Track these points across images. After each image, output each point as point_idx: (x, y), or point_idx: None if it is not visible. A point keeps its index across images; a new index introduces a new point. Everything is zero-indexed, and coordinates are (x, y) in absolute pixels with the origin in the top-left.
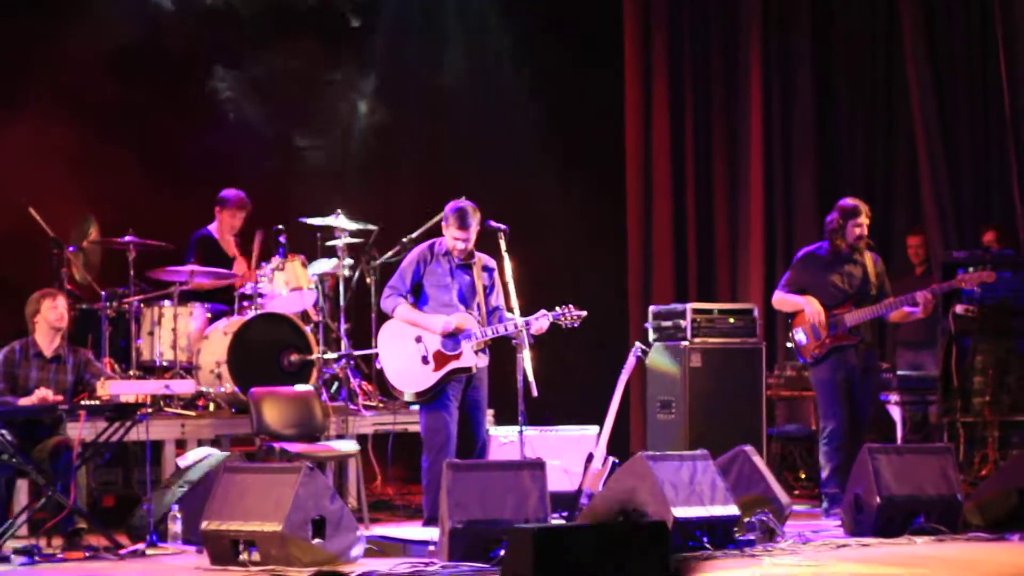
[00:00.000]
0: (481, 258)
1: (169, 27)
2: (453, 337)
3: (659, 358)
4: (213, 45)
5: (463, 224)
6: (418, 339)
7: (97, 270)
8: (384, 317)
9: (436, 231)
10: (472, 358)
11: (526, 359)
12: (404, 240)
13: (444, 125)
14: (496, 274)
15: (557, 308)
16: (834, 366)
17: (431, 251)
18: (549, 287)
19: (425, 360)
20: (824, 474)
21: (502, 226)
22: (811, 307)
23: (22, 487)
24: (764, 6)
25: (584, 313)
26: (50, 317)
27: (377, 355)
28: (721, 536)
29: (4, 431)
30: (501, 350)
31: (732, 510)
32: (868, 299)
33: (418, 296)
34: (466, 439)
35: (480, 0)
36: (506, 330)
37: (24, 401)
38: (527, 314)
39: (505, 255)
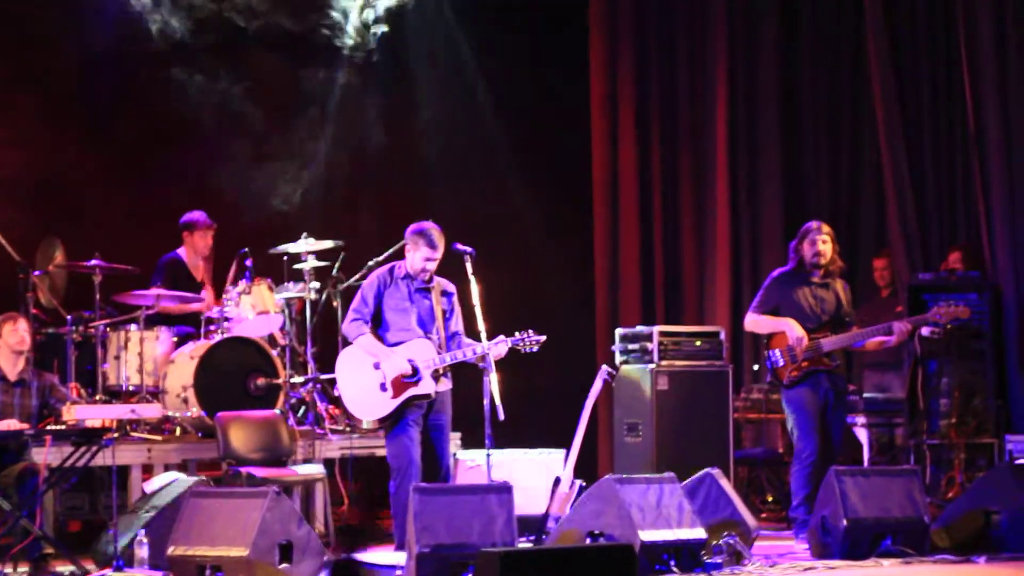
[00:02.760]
0: (440, 282)
1: (140, 46)
2: (411, 363)
3: (629, 373)
4: (183, 66)
5: (433, 244)
6: (376, 365)
7: (62, 294)
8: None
9: (402, 254)
10: (431, 384)
11: (493, 382)
12: (370, 263)
13: (410, 148)
14: (455, 298)
15: (516, 334)
16: (810, 389)
17: (390, 275)
18: (515, 310)
19: (383, 387)
20: (796, 499)
21: (469, 249)
22: (793, 330)
23: None
24: (729, 31)
25: (543, 338)
26: (11, 341)
27: (336, 383)
28: (688, 559)
29: None
30: (468, 373)
31: (699, 533)
32: (843, 325)
33: (377, 321)
34: (431, 464)
35: (447, 24)
36: (464, 356)
37: None
38: (493, 337)
39: (472, 278)
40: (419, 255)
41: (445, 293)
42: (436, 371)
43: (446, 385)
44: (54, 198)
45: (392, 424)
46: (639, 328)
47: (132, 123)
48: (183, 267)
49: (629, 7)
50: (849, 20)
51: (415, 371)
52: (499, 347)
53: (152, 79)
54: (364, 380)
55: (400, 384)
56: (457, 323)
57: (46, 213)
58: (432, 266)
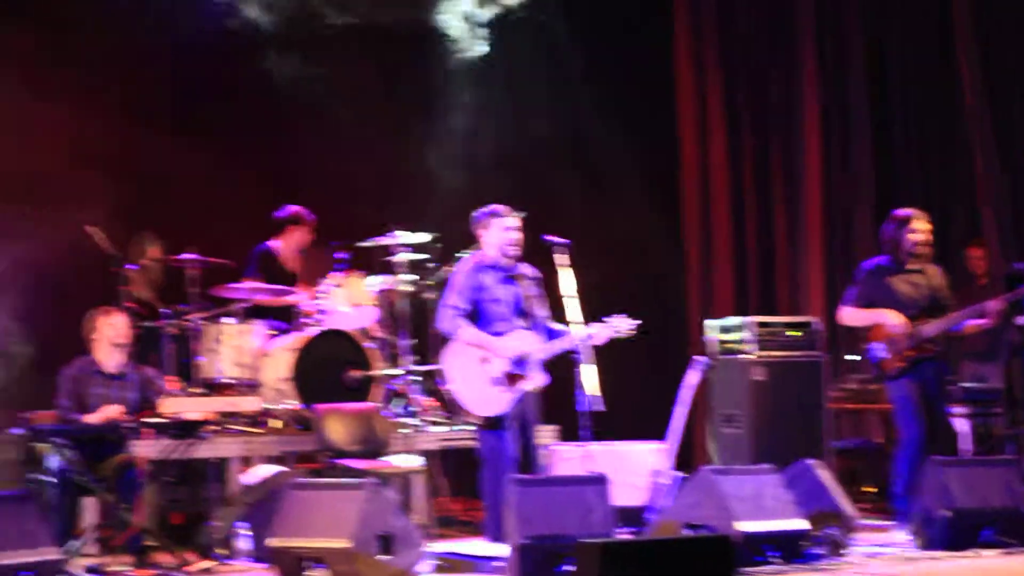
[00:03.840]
0: (524, 268)
1: (235, 38)
2: (518, 356)
3: (724, 364)
4: (279, 59)
5: (501, 212)
6: (484, 360)
7: (158, 288)
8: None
9: None
10: (538, 377)
11: (589, 373)
12: (457, 255)
13: (504, 141)
14: (540, 282)
15: (612, 319)
16: (914, 379)
17: (475, 266)
18: (607, 301)
19: (496, 382)
20: (899, 489)
21: (565, 240)
22: (894, 320)
23: (89, 505)
24: (817, 19)
25: (639, 322)
26: (108, 333)
27: (444, 378)
28: (788, 550)
29: (72, 450)
30: (564, 365)
31: (799, 524)
32: (939, 310)
33: (474, 315)
34: (526, 455)
35: (543, 20)
36: (569, 344)
37: (89, 418)
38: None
39: (567, 270)
40: (496, 230)
41: (530, 278)
42: (541, 363)
43: (546, 377)
44: (150, 192)
45: (491, 417)
46: (734, 319)
47: (227, 116)
48: (276, 259)
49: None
50: (936, 7)
51: (523, 364)
52: (598, 334)
53: (247, 71)
54: (475, 375)
55: (510, 378)
56: (547, 308)
57: (142, 207)
58: (516, 235)
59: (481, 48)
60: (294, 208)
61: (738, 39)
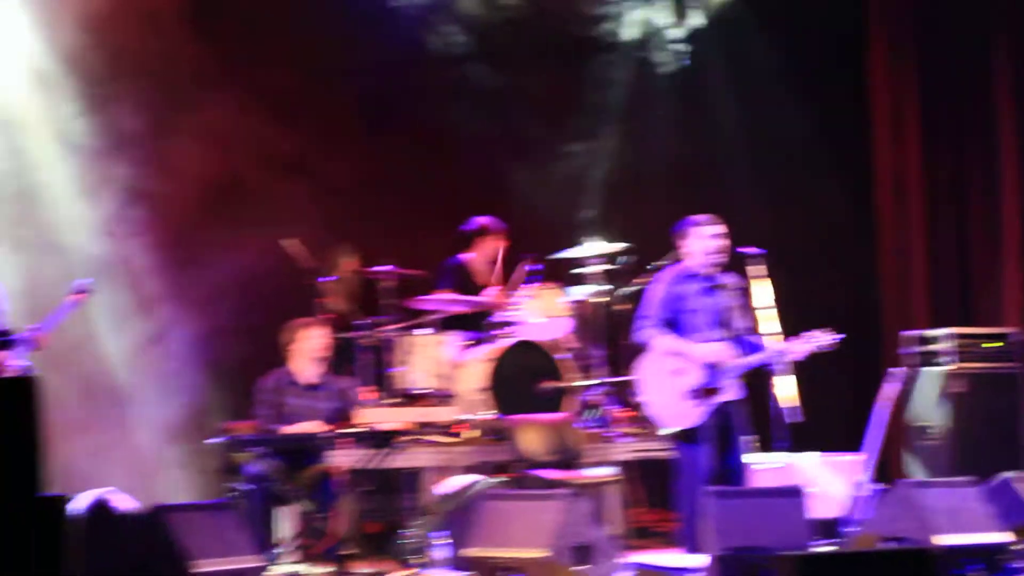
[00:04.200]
0: (727, 278)
1: (425, 51)
2: (714, 367)
3: (921, 376)
4: (468, 70)
5: (708, 220)
6: (679, 372)
7: (354, 299)
8: (639, 347)
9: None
10: (734, 389)
11: (786, 384)
12: (650, 267)
13: (695, 152)
14: (744, 294)
15: (811, 332)
16: None
17: (675, 276)
18: (801, 313)
19: (688, 395)
20: None
21: (760, 251)
22: None
23: (287, 514)
24: (1014, 31)
25: (841, 336)
26: (307, 347)
27: (637, 389)
28: (989, 564)
29: (271, 459)
30: (762, 375)
31: (1000, 537)
32: None
33: (670, 325)
34: (722, 467)
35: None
36: (766, 357)
37: (287, 431)
38: (789, 339)
39: (764, 281)
40: (695, 238)
41: (733, 288)
42: (737, 375)
43: (743, 388)
44: (347, 205)
45: (688, 429)
46: (931, 331)
47: (420, 127)
48: (471, 271)
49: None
50: None
51: (718, 376)
52: (798, 348)
53: (437, 83)
54: (667, 387)
55: (704, 391)
56: (748, 319)
57: (338, 219)
58: (719, 243)
59: (676, 61)
60: (482, 220)
61: (934, 47)
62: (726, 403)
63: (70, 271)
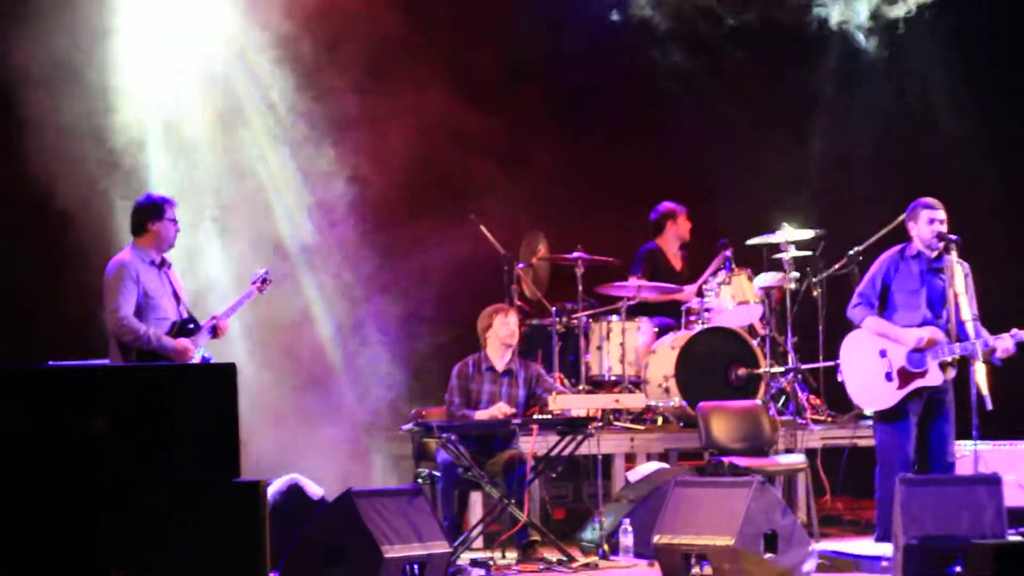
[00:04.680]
0: (954, 262)
1: (618, 37)
2: (920, 352)
3: None
4: (664, 58)
5: (931, 204)
6: (882, 353)
7: (546, 286)
8: (847, 327)
9: (886, 242)
10: (938, 375)
11: (979, 371)
12: (851, 253)
13: (896, 141)
14: (970, 280)
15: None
16: None
17: (901, 255)
18: (1006, 302)
19: (889, 377)
20: None
21: (953, 236)
22: None
23: (476, 499)
24: None
25: None
26: (501, 333)
27: (839, 368)
28: None
29: (461, 445)
30: (965, 363)
31: None
32: None
33: (885, 302)
34: (933, 455)
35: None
36: (973, 348)
37: (479, 415)
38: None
39: (959, 265)
40: (923, 221)
41: (960, 274)
42: (944, 361)
43: (951, 373)
44: (539, 192)
45: (888, 413)
46: None
47: (610, 116)
48: (663, 257)
49: None
50: None
51: (922, 360)
52: (1006, 342)
53: (630, 71)
54: (869, 367)
55: (906, 374)
56: (972, 306)
57: (532, 205)
58: (941, 226)
59: (879, 49)
60: (666, 205)
61: None
62: (930, 388)
63: (275, 259)
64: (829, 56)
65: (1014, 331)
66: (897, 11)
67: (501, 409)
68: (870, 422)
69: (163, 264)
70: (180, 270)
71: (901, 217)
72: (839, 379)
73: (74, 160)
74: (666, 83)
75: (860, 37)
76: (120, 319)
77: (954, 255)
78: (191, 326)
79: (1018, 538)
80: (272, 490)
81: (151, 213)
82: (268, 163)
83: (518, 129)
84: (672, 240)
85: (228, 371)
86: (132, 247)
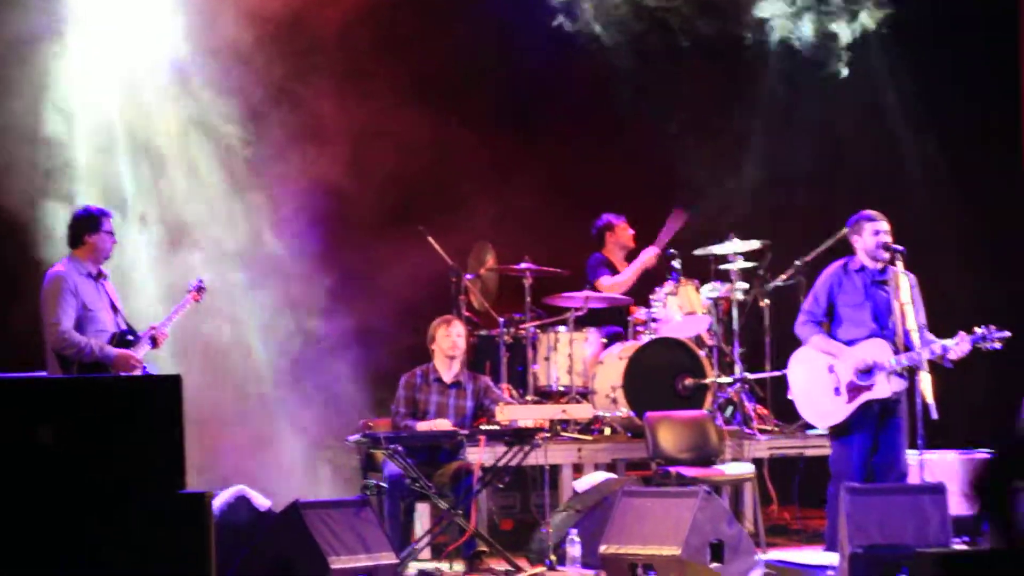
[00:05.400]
0: (899, 273)
1: (565, 49)
2: (866, 367)
3: None
4: (611, 71)
5: (874, 217)
6: (830, 368)
7: (494, 297)
8: (794, 338)
9: (830, 253)
10: (885, 387)
11: (924, 381)
12: (796, 263)
13: (835, 154)
14: (916, 290)
15: (977, 329)
16: None
17: (844, 269)
18: (944, 309)
19: (837, 391)
20: None
21: (898, 247)
22: None
23: (423, 511)
24: None
25: (1007, 334)
26: (444, 345)
27: (787, 384)
28: None
29: (408, 456)
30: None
31: None
32: None
33: (831, 317)
34: (881, 465)
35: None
36: (921, 357)
37: (422, 426)
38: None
39: (904, 276)
40: (867, 233)
41: (906, 284)
42: (890, 373)
43: (901, 384)
44: (485, 203)
45: (839, 428)
46: None
47: (559, 127)
48: (612, 266)
49: None
50: None
51: (870, 374)
52: (960, 346)
53: (577, 83)
54: (818, 383)
55: (855, 388)
56: (919, 316)
57: (477, 218)
58: (886, 237)
59: (826, 62)
60: (603, 217)
61: None
62: (879, 400)
63: (226, 270)
64: (776, 68)
65: (961, 334)
66: (843, 26)
67: (442, 423)
68: (816, 431)
69: (99, 276)
70: (134, 280)
71: (846, 229)
72: (789, 396)
73: (10, 166)
74: (616, 94)
75: (807, 51)
76: (61, 333)
77: (900, 265)
78: (130, 337)
79: (963, 547)
80: (218, 502)
81: (88, 225)
82: (217, 173)
83: (466, 140)
84: (615, 250)
85: (173, 382)
86: (69, 259)
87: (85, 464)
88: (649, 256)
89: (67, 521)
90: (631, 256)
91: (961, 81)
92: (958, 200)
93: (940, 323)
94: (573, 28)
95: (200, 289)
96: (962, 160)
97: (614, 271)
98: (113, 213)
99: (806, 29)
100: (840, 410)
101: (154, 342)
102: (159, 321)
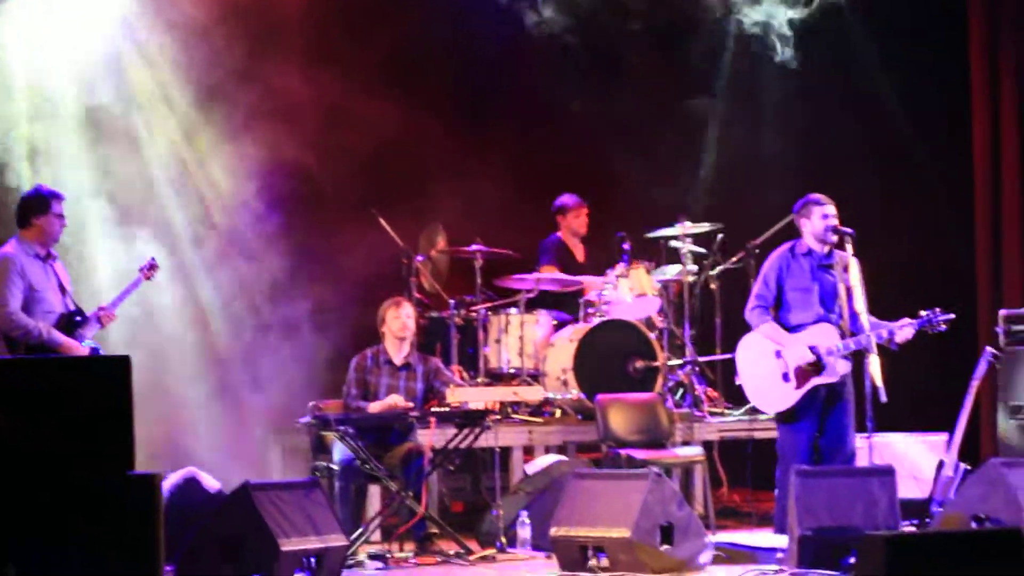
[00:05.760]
0: (843, 257)
1: (520, 34)
2: (814, 351)
3: (1014, 355)
4: (561, 54)
5: (821, 200)
6: (778, 354)
7: (445, 278)
8: (744, 322)
9: (782, 235)
10: (834, 371)
11: (873, 364)
12: (748, 246)
13: (788, 137)
14: (859, 275)
15: (922, 313)
16: None
17: (791, 253)
18: (893, 291)
19: (786, 377)
20: None
21: (848, 230)
22: None
23: (374, 493)
24: None
25: (951, 316)
26: (393, 327)
27: (736, 370)
28: None
29: (358, 438)
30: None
31: None
32: None
33: (779, 302)
34: (829, 448)
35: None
36: (868, 340)
37: (374, 407)
38: (889, 319)
39: (853, 259)
40: (816, 217)
41: (848, 268)
42: (838, 357)
43: (847, 367)
44: (437, 184)
45: (787, 412)
46: None
47: (509, 110)
48: (566, 248)
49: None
50: None
51: (818, 359)
52: (905, 330)
53: (530, 66)
54: (766, 369)
55: (803, 373)
56: (861, 300)
57: (429, 199)
58: (833, 220)
59: (785, 50)
60: (559, 199)
61: None
62: (827, 385)
63: (177, 250)
64: (728, 52)
65: (905, 319)
66: (795, 13)
67: (395, 400)
68: (766, 415)
69: (48, 257)
70: (84, 259)
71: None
72: (737, 382)
73: None
74: (569, 78)
75: (760, 36)
76: (8, 314)
77: (849, 248)
78: (78, 318)
79: (911, 529)
80: (168, 483)
81: (36, 206)
82: (168, 153)
83: (418, 122)
84: (568, 233)
85: (122, 363)
86: (16, 240)
87: (32, 445)
88: (585, 286)
89: (13, 503)
90: (586, 241)
91: (913, 66)
92: (909, 185)
93: (884, 300)
94: (526, 11)
95: (152, 267)
96: (913, 145)
97: (566, 256)
98: (64, 196)
99: (759, 14)
100: (789, 396)
101: (101, 322)
102: (108, 301)
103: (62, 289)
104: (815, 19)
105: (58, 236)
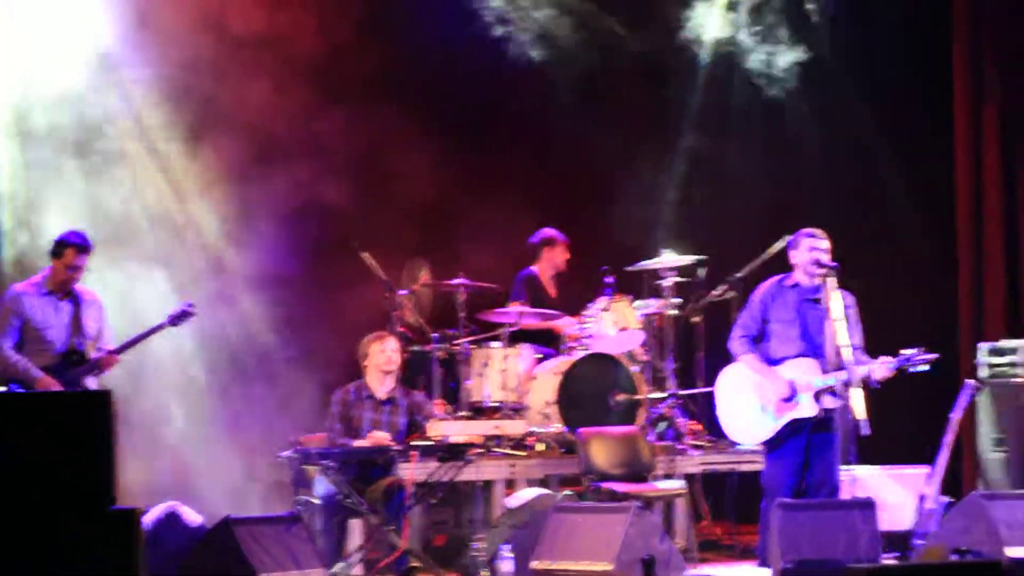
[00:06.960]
0: (831, 290)
1: (499, 66)
2: (795, 385)
3: (995, 388)
4: (542, 87)
5: (814, 233)
6: (757, 386)
7: (428, 312)
8: (727, 353)
9: (764, 270)
10: (811, 406)
11: (855, 397)
12: (729, 279)
13: (767, 165)
14: (852, 310)
15: (902, 352)
16: None
17: (778, 285)
18: (876, 324)
19: (763, 409)
20: None
21: (832, 264)
22: None
23: (355, 527)
24: None
25: (935, 356)
26: (378, 361)
27: (715, 401)
28: None
29: (340, 472)
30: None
31: None
32: None
33: (762, 334)
34: (814, 482)
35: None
36: (845, 378)
37: (358, 443)
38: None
39: (836, 293)
40: (803, 249)
41: (839, 301)
42: (818, 392)
43: (833, 403)
44: (420, 218)
45: (771, 444)
46: (1006, 342)
47: (491, 144)
48: (538, 283)
49: (992, 10)
50: None
51: (794, 393)
52: (881, 369)
53: (510, 100)
54: (744, 401)
55: (780, 406)
56: (855, 335)
57: (412, 233)
58: (823, 255)
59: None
60: (546, 231)
61: (1017, 51)
62: (812, 419)
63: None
64: (712, 83)
65: (883, 358)
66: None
67: (380, 437)
68: (747, 447)
69: (66, 295)
70: None
71: (780, 243)
72: (715, 413)
73: None
74: (548, 113)
75: (744, 67)
76: None
77: (832, 283)
78: (75, 358)
79: (892, 562)
80: (149, 518)
81: (54, 249)
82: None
83: (399, 156)
84: (547, 267)
85: (104, 398)
86: (42, 272)
87: (13, 480)
88: (561, 324)
89: None
90: (560, 278)
91: (895, 100)
92: (891, 217)
93: (876, 341)
94: (509, 41)
95: (184, 315)
96: (894, 178)
97: (539, 291)
98: (91, 247)
99: (746, 51)
100: (765, 428)
101: (101, 365)
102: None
103: (76, 327)
104: (799, 57)
105: (67, 285)
